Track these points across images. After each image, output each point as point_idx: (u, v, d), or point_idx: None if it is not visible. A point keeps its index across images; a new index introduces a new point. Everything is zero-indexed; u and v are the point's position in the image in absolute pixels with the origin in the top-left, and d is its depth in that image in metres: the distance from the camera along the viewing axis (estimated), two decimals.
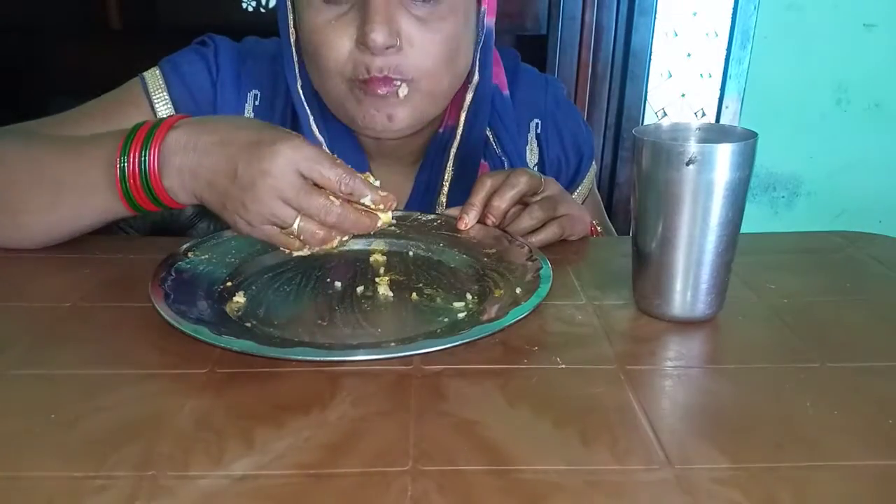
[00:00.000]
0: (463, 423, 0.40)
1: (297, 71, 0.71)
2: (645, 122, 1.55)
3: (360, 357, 0.44)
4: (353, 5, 0.63)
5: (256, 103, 0.75)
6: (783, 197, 1.66)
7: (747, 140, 0.49)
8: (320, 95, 0.70)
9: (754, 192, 1.64)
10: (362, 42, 0.62)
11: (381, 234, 0.63)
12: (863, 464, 0.37)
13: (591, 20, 1.49)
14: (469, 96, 0.73)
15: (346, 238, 0.57)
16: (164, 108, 0.72)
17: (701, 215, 0.49)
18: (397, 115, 0.66)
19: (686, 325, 0.52)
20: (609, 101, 1.55)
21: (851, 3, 1.51)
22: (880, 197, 1.64)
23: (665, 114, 1.55)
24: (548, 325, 0.52)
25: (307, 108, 0.72)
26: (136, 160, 0.55)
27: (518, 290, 0.53)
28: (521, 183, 0.64)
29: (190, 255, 0.58)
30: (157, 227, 0.93)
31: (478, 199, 0.64)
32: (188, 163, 0.54)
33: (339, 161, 0.54)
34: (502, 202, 0.64)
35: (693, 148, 0.48)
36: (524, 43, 1.53)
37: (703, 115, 1.54)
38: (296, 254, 0.57)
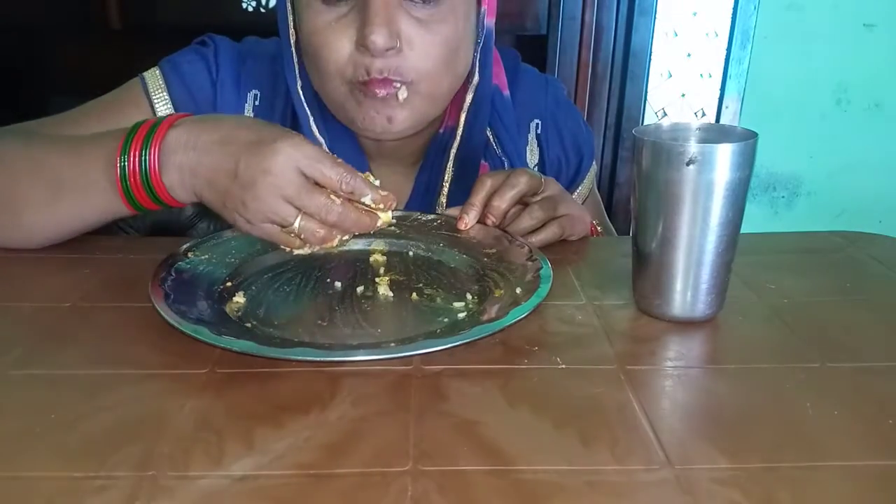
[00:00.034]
0: (463, 423, 0.40)
1: (297, 72, 0.71)
2: (645, 122, 1.55)
3: (360, 357, 0.44)
4: (352, 7, 0.63)
5: (256, 103, 0.75)
6: (783, 197, 1.66)
7: (747, 140, 0.49)
8: (320, 96, 0.70)
9: (754, 192, 1.64)
10: (362, 44, 0.62)
11: (381, 234, 0.63)
12: (863, 464, 0.37)
13: (591, 20, 1.49)
14: (469, 97, 0.73)
15: (346, 237, 0.57)
16: (164, 108, 0.72)
17: (701, 215, 0.49)
18: (397, 116, 0.66)
19: (686, 325, 0.52)
20: (609, 101, 1.55)
21: (851, 3, 1.51)
22: (880, 197, 1.64)
23: (665, 114, 1.55)
24: (548, 325, 0.52)
25: (307, 108, 0.72)
26: (137, 159, 0.55)
27: (518, 290, 0.53)
28: (521, 183, 0.64)
29: (190, 255, 0.58)
30: (157, 227, 0.93)
31: (478, 199, 0.64)
32: (188, 161, 0.54)
33: (339, 160, 0.54)
34: (502, 202, 0.64)
35: (693, 148, 0.48)
36: (524, 43, 1.53)
37: (703, 115, 1.54)
38: (296, 252, 0.57)
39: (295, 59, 0.71)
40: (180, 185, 0.55)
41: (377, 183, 0.56)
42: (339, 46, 0.63)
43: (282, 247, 0.57)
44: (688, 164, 0.48)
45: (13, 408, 0.41)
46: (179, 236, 0.87)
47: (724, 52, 1.50)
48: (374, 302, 0.55)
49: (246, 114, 0.75)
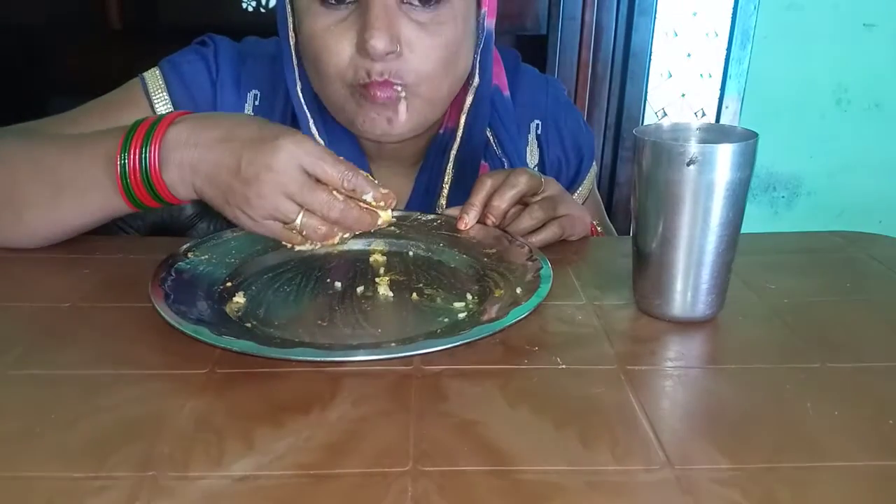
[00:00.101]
0: (463, 423, 0.40)
1: (296, 74, 0.71)
2: (645, 122, 1.55)
3: (361, 357, 0.44)
4: (352, 11, 0.63)
5: (256, 103, 0.75)
6: (783, 197, 1.67)
7: (748, 140, 0.49)
8: (321, 98, 0.70)
9: (754, 192, 1.64)
10: (362, 48, 0.62)
11: (381, 234, 0.63)
12: (863, 464, 0.37)
13: (591, 20, 1.49)
14: (469, 98, 0.73)
15: (347, 235, 0.58)
16: (163, 108, 0.72)
17: (701, 215, 0.49)
18: (397, 119, 0.66)
19: (686, 325, 0.52)
20: (609, 101, 1.55)
21: (851, 3, 1.51)
22: (880, 197, 1.64)
23: (665, 114, 1.55)
24: (548, 325, 0.52)
25: (307, 110, 0.72)
26: (137, 156, 0.55)
27: (518, 290, 0.53)
28: (521, 183, 0.64)
29: (190, 255, 0.58)
30: (157, 227, 0.93)
31: (478, 199, 0.64)
32: (189, 158, 0.54)
33: (341, 158, 0.54)
34: (502, 202, 0.64)
35: (693, 148, 0.48)
36: (524, 43, 1.53)
37: (703, 115, 1.54)
38: (297, 248, 0.57)
39: (294, 61, 0.71)
40: (181, 182, 0.55)
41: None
42: (339, 50, 0.63)
43: (283, 243, 0.57)
44: (688, 165, 0.48)
45: (13, 408, 0.41)
46: (179, 236, 0.87)
47: (724, 52, 1.50)
48: (374, 302, 0.55)
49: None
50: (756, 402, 0.43)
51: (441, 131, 0.75)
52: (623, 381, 0.44)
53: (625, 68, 1.51)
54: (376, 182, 0.56)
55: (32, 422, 0.39)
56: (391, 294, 0.56)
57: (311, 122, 0.72)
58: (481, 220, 0.65)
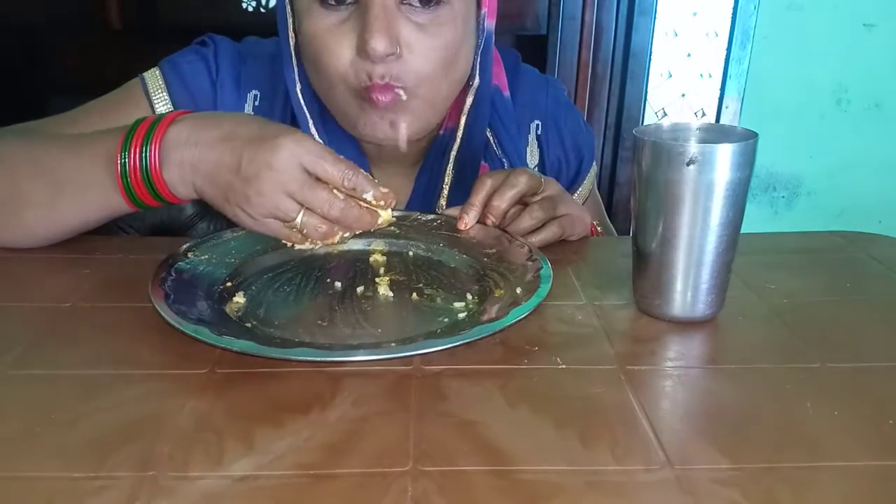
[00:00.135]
0: (463, 423, 0.40)
1: (296, 74, 0.71)
2: (645, 122, 1.55)
3: (361, 357, 0.44)
4: (352, 12, 0.63)
5: (256, 104, 0.75)
6: (783, 197, 1.67)
7: (747, 140, 0.49)
8: (322, 99, 0.70)
9: (754, 192, 1.64)
10: (363, 50, 0.61)
11: (381, 234, 0.63)
12: (863, 464, 0.37)
13: (591, 20, 1.49)
14: (469, 99, 0.73)
15: (347, 234, 0.58)
16: (163, 109, 0.72)
17: (701, 215, 0.49)
18: (401, 122, 0.66)
19: (686, 325, 0.52)
20: (609, 101, 1.55)
21: (851, 3, 1.51)
22: (880, 197, 1.64)
23: (665, 114, 1.55)
24: (548, 325, 0.52)
25: (306, 111, 0.72)
26: (137, 155, 0.55)
27: (518, 290, 0.53)
28: (520, 183, 0.64)
29: (190, 255, 0.58)
30: (157, 228, 0.93)
31: (478, 199, 0.64)
32: (189, 157, 0.54)
33: (341, 157, 0.54)
34: (502, 202, 0.64)
35: (693, 148, 0.48)
36: (524, 43, 1.53)
37: (703, 115, 1.54)
38: (297, 247, 0.58)
39: (294, 62, 0.71)
40: (181, 180, 0.55)
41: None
42: (339, 53, 0.63)
43: (283, 242, 0.57)
44: (688, 165, 0.48)
45: (13, 408, 0.41)
46: (179, 236, 0.87)
47: (724, 52, 1.50)
48: (374, 302, 0.55)
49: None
50: (756, 402, 0.43)
51: (441, 132, 0.75)
52: (623, 381, 0.44)
53: (625, 68, 1.51)
54: (376, 181, 0.56)
55: (32, 422, 0.39)
56: (391, 294, 0.56)
57: (310, 122, 0.72)
58: (481, 220, 0.65)
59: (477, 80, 0.72)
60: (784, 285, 0.59)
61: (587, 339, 0.50)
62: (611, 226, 0.90)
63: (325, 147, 0.54)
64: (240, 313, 0.52)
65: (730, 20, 1.48)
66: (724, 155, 0.48)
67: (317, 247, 0.59)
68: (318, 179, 0.54)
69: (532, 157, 0.81)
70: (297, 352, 0.44)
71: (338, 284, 0.57)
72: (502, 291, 0.54)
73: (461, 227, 0.64)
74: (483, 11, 0.70)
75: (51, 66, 1.66)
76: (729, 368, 0.47)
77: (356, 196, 0.55)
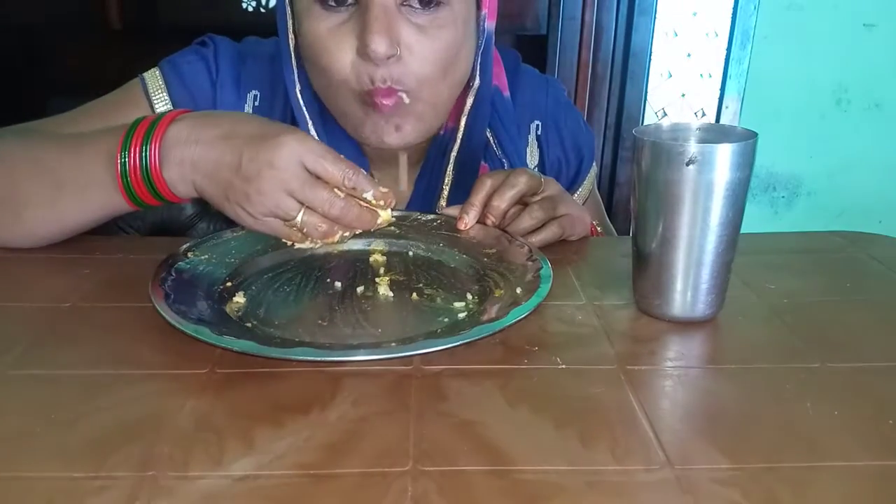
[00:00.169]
0: (463, 423, 0.40)
1: (295, 75, 0.71)
2: (645, 122, 1.55)
3: (361, 357, 0.44)
4: (352, 14, 0.63)
5: (256, 104, 0.75)
6: (783, 197, 1.67)
7: (747, 140, 0.49)
8: (324, 101, 0.70)
9: (754, 192, 1.64)
10: (363, 52, 0.61)
11: (381, 234, 0.63)
12: (863, 464, 0.37)
13: (591, 20, 1.49)
14: (470, 100, 0.73)
15: (347, 234, 0.58)
16: (163, 109, 0.72)
17: (701, 215, 0.49)
18: (405, 125, 0.66)
19: (686, 325, 0.52)
20: (609, 101, 1.55)
21: (851, 3, 1.51)
22: (880, 197, 1.64)
23: (665, 114, 1.55)
24: (548, 325, 0.52)
25: (306, 112, 0.72)
26: (137, 154, 0.55)
27: (518, 290, 0.53)
28: (520, 183, 0.64)
29: (190, 255, 0.58)
30: (157, 227, 0.93)
31: (477, 199, 0.64)
32: (190, 155, 0.54)
33: (341, 156, 0.55)
34: (502, 202, 0.63)
35: (693, 148, 0.48)
36: (524, 43, 1.53)
37: (703, 115, 1.54)
38: (297, 246, 0.58)
39: (294, 63, 0.71)
40: (181, 179, 0.56)
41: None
42: (340, 56, 0.63)
43: (283, 240, 0.57)
44: (688, 164, 0.48)
45: (13, 408, 0.41)
46: (179, 236, 0.87)
47: (724, 52, 1.50)
48: (374, 302, 0.55)
49: None
50: (756, 402, 0.43)
51: (441, 132, 0.75)
52: (623, 380, 0.44)
53: (625, 68, 1.51)
54: (376, 181, 0.56)
55: (32, 422, 0.39)
56: (391, 294, 0.56)
57: (309, 123, 0.72)
58: (481, 220, 0.65)
59: (477, 82, 0.72)
60: (784, 285, 0.59)
61: (587, 339, 0.50)
62: (611, 226, 0.90)
63: (326, 146, 0.55)
64: (240, 313, 0.52)
65: (730, 20, 1.48)
66: (724, 155, 0.48)
67: (317, 246, 0.59)
68: (319, 178, 0.54)
69: (532, 157, 0.81)
70: (297, 352, 0.44)
71: (338, 284, 0.57)
72: (502, 291, 0.54)
73: (461, 227, 0.64)
74: (483, 13, 0.70)
75: (51, 66, 1.66)
76: (729, 368, 0.47)
77: (356, 196, 0.56)
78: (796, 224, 1.66)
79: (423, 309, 0.54)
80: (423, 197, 0.76)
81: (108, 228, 0.64)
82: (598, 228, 0.78)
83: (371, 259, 0.62)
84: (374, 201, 0.56)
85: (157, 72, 0.74)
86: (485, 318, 0.49)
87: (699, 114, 1.54)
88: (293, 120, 0.73)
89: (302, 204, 0.54)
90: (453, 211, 0.66)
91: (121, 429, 0.39)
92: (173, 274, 0.54)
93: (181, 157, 0.55)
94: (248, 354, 0.44)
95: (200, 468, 0.36)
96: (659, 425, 0.40)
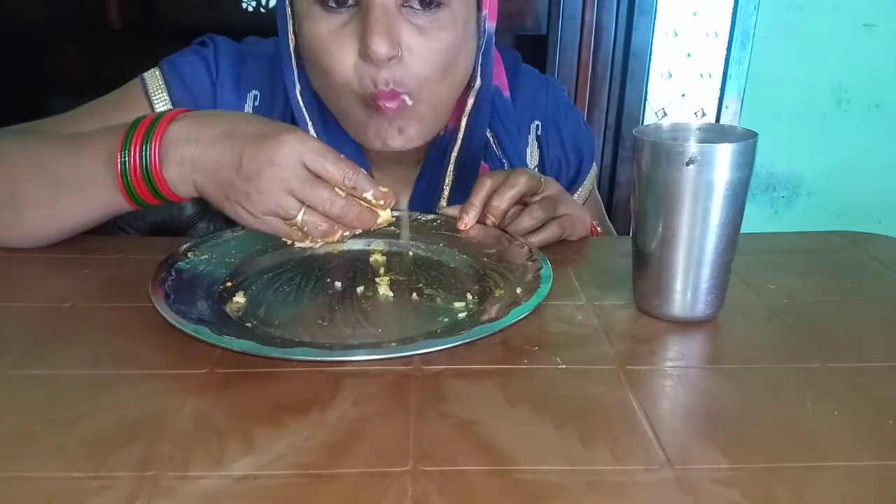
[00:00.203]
0: (463, 423, 0.40)
1: (295, 76, 0.71)
2: (645, 122, 1.55)
3: (361, 357, 0.44)
4: (353, 15, 0.62)
5: (256, 104, 0.75)
6: (783, 197, 1.67)
7: (747, 140, 0.49)
8: (326, 103, 0.70)
9: (754, 192, 1.64)
10: (364, 53, 0.61)
11: (381, 234, 0.63)
12: (863, 464, 0.37)
13: (591, 20, 1.49)
14: (470, 101, 0.73)
15: (347, 233, 0.58)
16: (163, 109, 0.72)
17: (701, 215, 0.49)
18: (408, 129, 0.66)
19: (686, 325, 0.52)
20: (609, 101, 1.55)
21: (851, 3, 1.51)
22: (880, 197, 1.64)
23: (665, 114, 1.55)
24: (548, 325, 0.52)
25: (306, 113, 0.72)
26: (137, 153, 0.55)
27: (518, 290, 0.53)
28: (520, 183, 0.64)
29: (190, 255, 0.58)
30: (157, 227, 0.93)
31: (477, 199, 0.64)
32: (190, 154, 0.54)
33: (342, 156, 0.55)
34: (502, 202, 0.63)
35: (693, 148, 0.48)
36: (524, 43, 1.53)
37: (703, 115, 1.54)
38: (297, 245, 0.58)
39: (294, 63, 0.71)
40: (181, 178, 0.56)
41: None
42: (341, 58, 0.63)
43: (283, 239, 0.58)
44: (688, 164, 0.48)
45: (13, 408, 0.41)
46: (179, 236, 0.87)
47: (724, 52, 1.50)
48: (374, 302, 0.55)
49: None
50: (756, 402, 0.43)
51: (441, 133, 0.75)
52: (623, 380, 0.44)
53: (625, 68, 1.51)
54: (376, 181, 0.56)
55: (32, 422, 0.39)
56: (391, 294, 0.56)
57: (309, 124, 0.72)
58: (481, 220, 0.65)
59: (478, 82, 0.72)
60: (784, 285, 0.59)
61: (587, 339, 0.50)
62: (611, 226, 0.90)
63: (326, 146, 0.55)
64: (240, 313, 0.52)
65: (730, 20, 1.48)
66: (724, 155, 0.48)
67: (317, 245, 0.59)
68: (319, 178, 0.54)
69: (532, 157, 0.81)
70: (298, 351, 0.44)
71: (338, 284, 0.57)
72: (502, 291, 0.54)
73: (461, 226, 0.64)
74: (484, 13, 0.70)
75: (51, 66, 1.66)
76: (729, 368, 0.47)
77: (356, 195, 0.56)
78: (796, 224, 1.66)
79: (423, 309, 0.54)
80: (423, 197, 0.76)
81: (108, 228, 0.64)
82: (598, 228, 0.78)
83: (371, 259, 0.62)
84: (373, 201, 0.56)
85: (157, 72, 0.74)
86: (485, 318, 0.49)
87: (699, 114, 1.54)
88: (293, 120, 0.73)
89: (302, 203, 0.54)
90: (453, 211, 0.66)
91: (121, 429, 0.39)
92: (173, 274, 0.54)
93: (181, 156, 0.55)
94: (248, 354, 0.44)
95: (200, 468, 0.36)
96: (659, 425, 0.40)
